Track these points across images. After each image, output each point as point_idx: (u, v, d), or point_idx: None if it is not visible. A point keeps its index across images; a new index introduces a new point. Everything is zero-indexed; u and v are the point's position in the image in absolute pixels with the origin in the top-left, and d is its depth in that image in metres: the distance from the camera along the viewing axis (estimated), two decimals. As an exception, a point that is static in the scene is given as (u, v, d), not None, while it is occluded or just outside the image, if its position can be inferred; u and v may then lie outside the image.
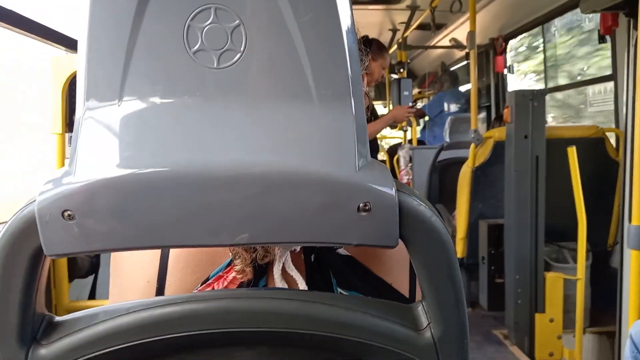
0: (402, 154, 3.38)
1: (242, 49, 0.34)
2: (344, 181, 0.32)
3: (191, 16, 0.34)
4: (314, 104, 0.34)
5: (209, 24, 0.34)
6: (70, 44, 1.74)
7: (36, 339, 0.36)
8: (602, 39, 2.25)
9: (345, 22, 0.34)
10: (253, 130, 0.34)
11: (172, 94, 0.35)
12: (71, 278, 1.69)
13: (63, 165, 1.57)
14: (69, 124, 1.65)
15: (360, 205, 0.32)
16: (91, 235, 0.33)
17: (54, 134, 1.63)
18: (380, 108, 5.48)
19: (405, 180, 3.16)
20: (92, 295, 1.89)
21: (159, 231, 0.33)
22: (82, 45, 0.35)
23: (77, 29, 0.36)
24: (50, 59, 1.62)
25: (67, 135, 1.63)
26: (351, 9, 0.35)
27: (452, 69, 5.12)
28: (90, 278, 1.86)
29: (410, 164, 3.27)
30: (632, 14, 1.94)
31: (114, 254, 0.56)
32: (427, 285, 0.35)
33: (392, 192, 0.32)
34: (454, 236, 2.73)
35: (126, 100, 0.35)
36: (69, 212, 0.33)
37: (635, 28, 1.95)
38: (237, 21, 0.34)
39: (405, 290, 0.52)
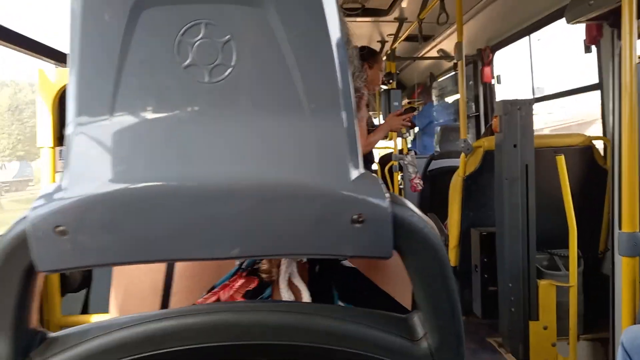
0: (409, 162, 3.31)
1: (232, 63, 0.34)
2: (337, 193, 0.32)
3: (182, 31, 0.34)
4: (305, 116, 0.34)
5: (199, 39, 0.34)
6: (59, 57, 1.73)
7: (29, 357, 0.35)
8: (587, 49, 2.29)
9: (334, 35, 0.34)
10: (245, 143, 0.34)
11: (164, 108, 0.35)
12: (63, 292, 1.68)
13: (54, 179, 1.56)
14: (59, 137, 1.64)
15: (354, 216, 0.32)
16: (84, 250, 0.33)
17: (41, 147, 1.62)
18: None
19: (419, 188, 3.13)
20: (84, 310, 1.87)
21: (152, 245, 0.33)
22: (72, 59, 0.35)
23: (68, 43, 0.35)
24: (37, 72, 1.61)
25: (57, 149, 1.62)
26: (340, 22, 0.35)
27: (440, 79, 5.17)
28: (83, 292, 1.84)
29: (417, 171, 3.23)
30: (615, 25, 1.98)
31: None
32: (422, 295, 0.35)
33: (386, 203, 0.32)
34: (446, 245, 2.74)
35: (118, 114, 0.35)
36: (61, 227, 0.32)
37: (619, 38, 1.99)
38: (228, 36, 0.34)
39: (408, 303, 0.52)
